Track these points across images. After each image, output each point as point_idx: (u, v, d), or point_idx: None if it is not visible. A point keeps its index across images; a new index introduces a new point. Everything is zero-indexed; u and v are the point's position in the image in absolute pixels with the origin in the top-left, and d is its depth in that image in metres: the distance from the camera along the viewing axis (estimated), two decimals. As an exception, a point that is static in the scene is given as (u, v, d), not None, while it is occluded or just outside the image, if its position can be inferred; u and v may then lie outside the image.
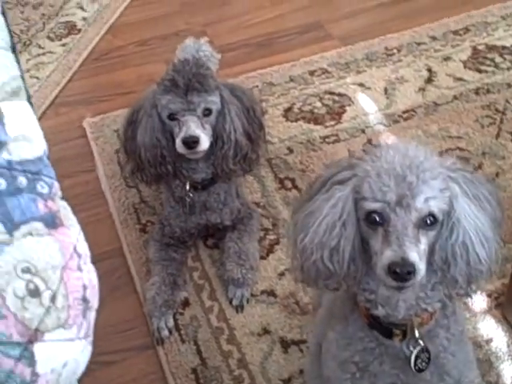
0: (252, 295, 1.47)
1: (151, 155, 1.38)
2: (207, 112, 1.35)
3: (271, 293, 1.48)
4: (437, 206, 0.83)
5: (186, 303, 1.47)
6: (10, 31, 0.87)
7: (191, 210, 1.47)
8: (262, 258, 1.54)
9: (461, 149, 1.75)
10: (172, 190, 1.48)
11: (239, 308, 1.45)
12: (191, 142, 1.31)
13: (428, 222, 0.83)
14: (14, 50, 0.86)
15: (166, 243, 1.52)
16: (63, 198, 0.77)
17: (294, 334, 1.39)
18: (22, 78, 0.83)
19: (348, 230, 0.86)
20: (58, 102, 2.14)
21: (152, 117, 1.36)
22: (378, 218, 0.83)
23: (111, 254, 1.61)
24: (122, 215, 1.68)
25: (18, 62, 0.85)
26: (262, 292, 1.48)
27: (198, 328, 1.43)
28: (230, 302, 1.46)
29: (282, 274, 1.50)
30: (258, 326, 1.42)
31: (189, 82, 1.31)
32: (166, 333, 1.40)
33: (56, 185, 0.75)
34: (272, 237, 1.59)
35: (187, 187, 1.44)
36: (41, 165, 0.74)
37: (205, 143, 1.33)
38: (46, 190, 0.73)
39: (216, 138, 1.38)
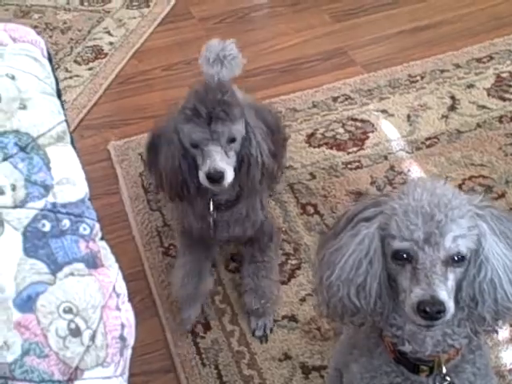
0: (273, 320, 1.47)
1: (173, 179, 1.35)
2: (232, 140, 1.29)
3: (292, 318, 1.48)
4: (465, 245, 0.83)
5: (207, 327, 1.48)
6: (55, 77, 0.89)
7: (213, 228, 1.44)
8: (283, 283, 1.54)
9: (484, 177, 1.75)
10: (193, 207, 1.44)
11: (263, 338, 1.44)
12: (217, 178, 1.26)
13: (456, 259, 0.83)
14: (59, 95, 0.88)
15: (191, 237, 1.53)
16: (103, 237, 0.79)
17: (315, 359, 1.39)
18: (66, 121, 0.86)
19: (374, 267, 0.86)
20: (84, 125, 2.17)
21: (173, 143, 1.32)
22: (405, 256, 0.83)
23: (133, 276, 1.62)
24: (145, 238, 1.69)
25: (63, 106, 0.88)
26: (284, 317, 1.48)
27: (219, 352, 1.43)
28: (253, 334, 1.45)
29: (303, 300, 1.50)
30: (279, 351, 1.42)
31: (212, 110, 1.25)
32: (189, 327, 1.47)
33: (97, 226, 0.78)
34: (294, 262, 1.59)
35: (211, 208, 1.40)
36: (83, 207, 0.77)
37: (230, 176, 1.28)
38: (87, 232, 0.76)
39: (241, 161, 1.33)
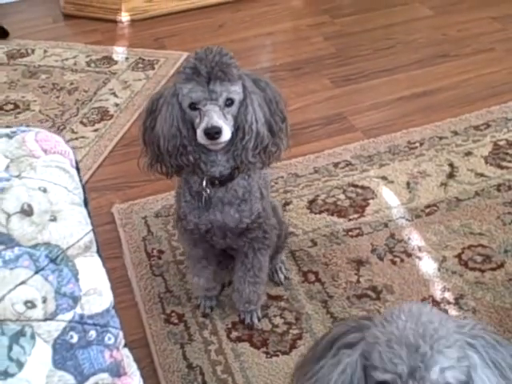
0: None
1: (171, 145, 1.32)
2: (229, 102, 1.28)
3: (294, 389, 1.48)
4: (454, 377, 0.79)
5: (208, 397, 1.48)
6: (83, 186, 0.93)
7: (207, 205, 1.43)
8: (284, 353, 1.55)
9: (483, 246, 1.77)
10: (189, 184, 1.44)
11: (249, 325, 1.62)
12: (213, 133, 1.26)
13: None
14: (86, 203, 0.92)
15: (193, 239, 1.54)
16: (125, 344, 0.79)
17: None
18: (93, 230, 0.89)
19: None
20: (88, 187, 2.18)
21: (172, 105, 1.31)
22: None
23: (136, 344, 1.62)
24: (148, 304, 1.70)
25: (90, 214, 0.91)
26: (285, 388, 1.48)
27: (221, 424, 1.42)
28: (242, 322, 1.63)
29: (304, 370, 1.50)
30: (280, 424, 1.41)
31: (211, 70, 1.25)
32: (208, 310, 1.66)
33: (120, 334, 0.81)
34: (295, 331, 1.60)
35: (204, 183, 1.40)
36: (108, 316, 0.80)
37: (227, 134, 1.28)
38: (112, 341, 0.79)
39: (237, 129, 1.32)
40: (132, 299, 1.76)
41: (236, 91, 1.28)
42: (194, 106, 1.28)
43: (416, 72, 2.65)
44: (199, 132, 1.27)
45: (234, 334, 1.61)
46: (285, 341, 1.57)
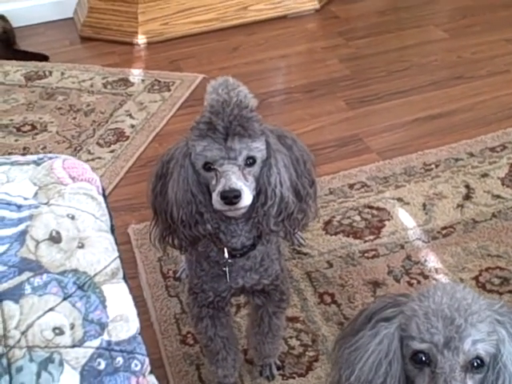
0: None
1: (185, 213, 1.16)
2: (250, 161, 1.13)
3: (310, 412, 1.47)
4: (484, 349, 0.84)
5: None
6: (110, 213, 0.93)
7: (229, 275, 1.30)
8: (300, 375, 1.54)
9: (501, 268, 1.76)
10: (207, 254, 1.29)
11: (269, 377, 1.55)
12: (232, 197, 1.09)
13: (475, 364, 0.84)
14: (112, 230, 0.92)
15: (207, 316, 1.41)
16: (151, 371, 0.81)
17: None
18: (120, 257, 0.90)
19: (394, 369, 0.88)
20: (104, 208, 2.21)
21: (185, 168, 1.15)
22: (424, 358, 0.85)
23: (151, 365, 1.61)
24: (163, 325, 1.70)
25: (116, 241, 0.92)
26: (301, 411, 1.47)
27: None
28: (260, 374, 1.56)
29: (321, 393, 1.50)
30: None
31: (229, 125, 1.10)
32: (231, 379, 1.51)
33: (146, 361, 0.82)
34: (311, 353, 1.59)
35: (226, 255, 1.25)
36: (135, 343, 0.81)
37: (247, 198, 1.11)
38: (138, 368, 0.80)
39: (258, 193, 1.16)
40: (148, 320, 1.76)
41: (258, 148, 1.13)
42: (209, 167, 1.13)
43: (431, 94, 2.65)
44: (215, 196, 1.11)
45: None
46: (301, 363, 1.56)
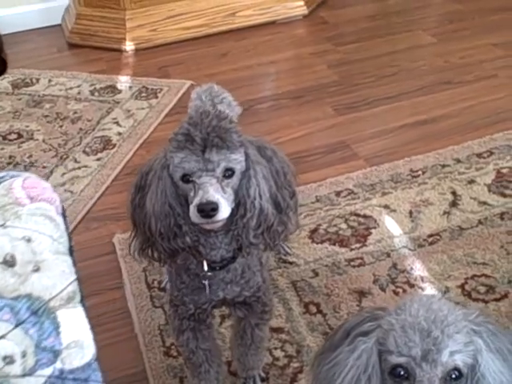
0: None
1: (163, 225, 1.15)
2: (229, 173, 1.11)
3: (294, 425, 1.45)
4: (462, 360, 0.84)
5: None
6: (69, 235, 0.91)
7: (209, 288, 1.28)
8: (285, 387, 1.53)
9: (486, 276, 1.75)
10: (186, 266, 1.27)
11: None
12: (209, 210, 1.07)
13: (453, 376, 0.85)
14: (71, 251, 0.90)
15: (189, 329, 1.39)
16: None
17: None
18: (78, 279, 0.87)
19: (373, 383, 0.87)
20: (90, 217, 2.20)
21: (163, 179, 1.13)
22: (403, 372, 0.85)
23: (134, 377, 1.61)
24: (147, 337, 1.69)
25: (75, 262, 0.89)
26: (285, 424, 1.46)
27: None
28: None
29: (305, 405, 1.48)
30: None
31: (207, 136, 1.08)
32: None
33: None
34: (296, 364, 1.57)
35: (205, 267, 1.23)
36: (89, 370, 0.79)
37: (225, 210, 1.09)
38: None
39: (237, 205, 1.14)
40: (132, 331, 1.74)
41: (237, 160, 1.11)
42: (187, 179, 1.10)
43: (419, 99, 2.65)
44: (192, 208, 1.09)
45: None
46: (286, 374, 1.55)
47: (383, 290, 1.74)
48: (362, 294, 1.73)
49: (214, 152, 1.08)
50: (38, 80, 3.11)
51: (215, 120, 1.11)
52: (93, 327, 1.81)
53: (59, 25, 3.68)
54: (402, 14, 3.43)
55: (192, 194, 1.10)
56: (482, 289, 1.71)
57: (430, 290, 1.72)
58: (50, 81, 3.09)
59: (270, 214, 1.16)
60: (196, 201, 1.08)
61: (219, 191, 1.09)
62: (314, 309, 1.71)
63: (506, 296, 1.68)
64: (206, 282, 1.27)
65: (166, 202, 1.14)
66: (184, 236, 1.15)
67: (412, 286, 1.74)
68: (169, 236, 1.15)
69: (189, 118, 1.14)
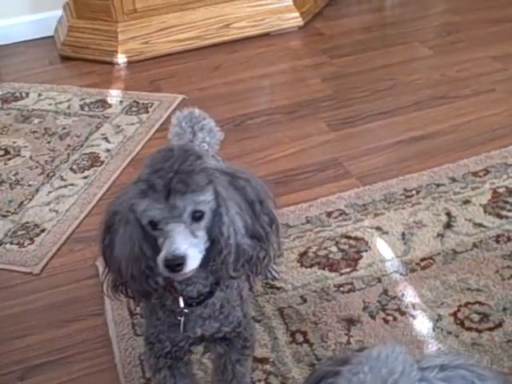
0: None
1: (134, 269, 1.10)
2: (198, 215, 1.06)
3: None
4: None
5: None
6: None
7: (185, 326, 1.23)
8: (268, 422, 1.46)
9: (480, 303, 1.68)
10: (162, 302, 1.22)
11: None
12: (174, 265, 1.03)
13: None
14: None
15: (165, 367, 1.32)
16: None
17: None
18: None
19: None
20: (74, 238, 2.14)
21: (130, 223, 1.09)
22: None
23: (112, 411, 1.55)
24: (127, 367, 1.63)
25: None
26: None
27: None
28: None
29: None
30: None
31: (169, 182, 1.03)
32: None
33: None
34: (280, 398, 1.51)
35: (181, 304, 1.18)
36: None
37: (193, 262, 1.05)
38: None
39: (212, 241, 1.10)
40: (112, 360, 1.68)
41: (205, 201, 1.06)
42: (154, 226, 1.06)
43: (414, 114, 2.59)
44: (159, 261, 1.05)
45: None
46: (269, 409, 1.49)
47: (373, 317, 1.67)
48: (350, 321, 1.67)
49: (177, 198, 1.03)
50: (27, 94, 3.06)
51: (177, 163, 1.05)
52: (73, 355, 1.76)
53: (52, 36, 3.64)
54: (398, 26, 3.37)
55: (161, 241, 1.06)
56: (476, 317, 1.64)
57: (421, 318, 1.65)
58: (39, 95, 3.04)
59: (248, 249, 1.11)
60: (162, 254, 1.04)
61: (188, 238, 1.04)
62: (300, 338, 1.65)
63: (500, 325, 1.61)
64: (182, 319, 1.21)
65: (134, 246, 1.09)
66: (156, 276, 1.10)
67: (403, 313, 1.67)
68: (141, 279, 1.11)
69: (150, 163, 1.08)
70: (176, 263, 1.02)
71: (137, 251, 1.09)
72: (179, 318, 1.21)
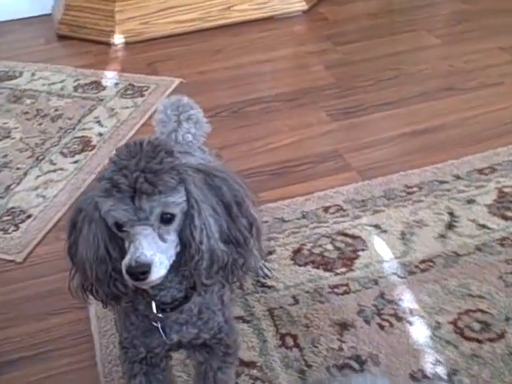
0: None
1: (100, 271, 1.02)
2: (167, 217, 0.96)
3: None
4: None
5: None
6: None
7: (160, 331, 1.14)
8: (253, 432, 1.38)
9: (482, 311, 1.59)
10: (135, 306, 1.13)
11: None
12: (138, 273, 0.93)
13: None
14: None
15: (141, 373, 1.24)
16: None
17: None
18: None
19: None
20: (61, 225, 2.05)
21: (95, 222, 1.00)
22: None
23: (90, 414, 1.47)
24: (108, 366, 1.55)
25: None
26: None
27: None
28: None
29: None
30: None
31: (134, 182, 0.93)
32: None
33: None
34: (267, 406, 1.43)
35: (154, 309, 1.10)
36: None
37: (159, 270, 0.95)
38: None
39: (184, 245, 1.01)
40: (92, 358, 1.60)
41: (175, 202, 0.96)
42: (120, 228, 0.97)
43: (419, 106, 2.49)
44: (122, 267, 0.95)
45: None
46: (254, 417, 1.41)
47: (368, 322, 1.59)
48: (344, 326, 1.58)
49: (143, 199, 0.93)
50: (21, 73, 2.97)
51: (143, 161, 0.95)
52: (53, 350, 1.68)
53: (49, 15, 3.54)
54: (406, 13, 3.26)
55: (127, 244, 0.96)
56: (477, 326, 1.55)
57: (419, 325, 1.57)
58: (33, 74, 2.95)
59: (223, 255, 1.02)
60: (126, 260, 0.94)
61: (156, 242, 0.95)
62: (290, 341, 1.56)
63: (502, 336, 1.52)
64: (159, 325, 1.13)
65: (99, 246, 1.00)
66: (125, 280, 0.98)
67: (400, 319, 1.59)
68: (108, 281, 1.02)
69: (114, 160, 0.97)
70: (140, 271, 0.93)
71: (102, 252, 1.01)
72: (154, 323, 1.13)
